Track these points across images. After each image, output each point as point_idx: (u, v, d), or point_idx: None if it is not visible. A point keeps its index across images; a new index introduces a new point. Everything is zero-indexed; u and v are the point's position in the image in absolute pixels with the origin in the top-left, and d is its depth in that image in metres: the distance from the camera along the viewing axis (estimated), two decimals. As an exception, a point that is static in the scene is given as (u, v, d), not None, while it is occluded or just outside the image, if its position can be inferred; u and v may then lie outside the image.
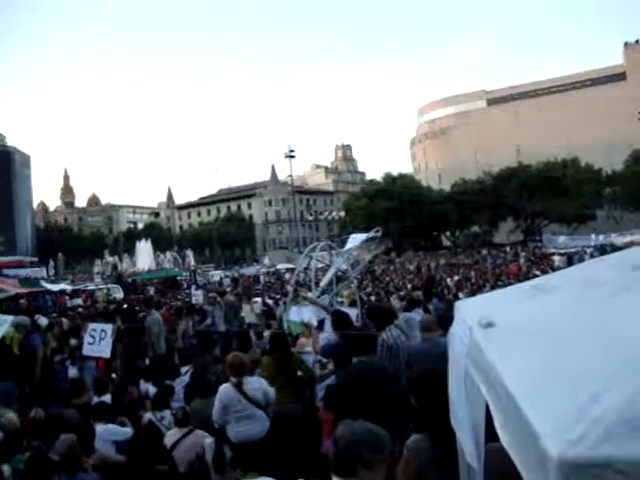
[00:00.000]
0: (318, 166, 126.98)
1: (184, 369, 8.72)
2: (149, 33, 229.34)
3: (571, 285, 1.85)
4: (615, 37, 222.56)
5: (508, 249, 53.84)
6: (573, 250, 37.24)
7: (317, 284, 11.07)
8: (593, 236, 42.47)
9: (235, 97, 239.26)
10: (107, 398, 6.65)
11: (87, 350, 8.32)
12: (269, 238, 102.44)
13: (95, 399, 6.59)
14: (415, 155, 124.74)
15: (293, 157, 65.18)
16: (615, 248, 25.34)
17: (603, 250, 30.22)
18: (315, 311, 8.45)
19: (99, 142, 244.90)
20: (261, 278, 38.79)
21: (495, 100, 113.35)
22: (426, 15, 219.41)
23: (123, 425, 5.99)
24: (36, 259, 70.45)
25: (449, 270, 34.28)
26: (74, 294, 30.40)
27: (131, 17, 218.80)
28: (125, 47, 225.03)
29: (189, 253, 55.55)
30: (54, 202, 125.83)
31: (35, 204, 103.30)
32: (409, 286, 23.00)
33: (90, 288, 34.07)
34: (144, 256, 54.35)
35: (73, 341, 10.07)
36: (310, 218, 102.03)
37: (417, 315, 7.90)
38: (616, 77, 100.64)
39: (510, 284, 13.65)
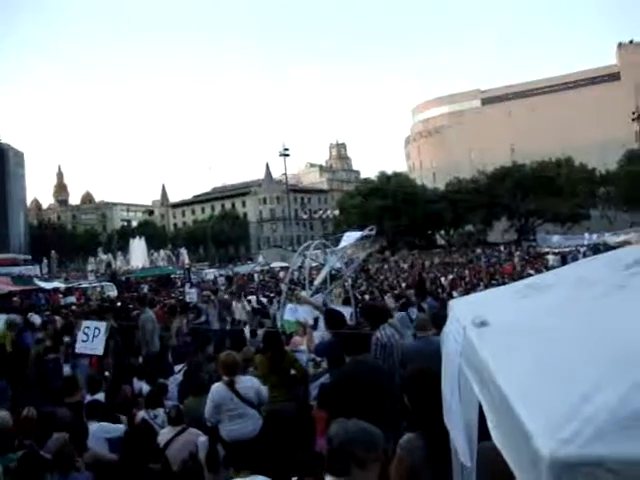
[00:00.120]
0: (312, 164, 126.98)
1: (177, 367, 8.71)
2: (144, 31, 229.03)
3: (564, 284, 1.85)
4: (609, 37, 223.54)
5: (502, 248, 53.93)
6: (567, 249, 37.39)
7: (311, 282, 11.08)
8: (587, 235, 42.68)
9: (229, 95, 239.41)
10: (100, 396, 6.63)
11: (80, 348, 8.29)
12: (263, 236, 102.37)
13: (88, 397, 6.56)
14: (410, 154, 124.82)
15: (287, 155, 65.09)
16: (609, 247, 25.43)
17: (597, 249, 30.37)
18: (310, 310, 8.46)
19: (93, 139, 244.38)
20: (255, 276, 38.79)
21: (490, 99, 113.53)
22: (421, 14, 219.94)
23: (118, 421, 5.97)
24: (29, 257, 70.10)
25: (443, 269, 34.34)
26: (67, 292, 30.29)
27: (126, 15, 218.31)
28: (119, 45, 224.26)
29: (183, 251, 55.36)
30: (47, 200, 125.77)
31: (28, 201, 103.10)
32: (403, 285, 23.04)
33: (84, 286, 33.98)
34: (138, 254, 54.16)
35: (66, 339, 10.04)
36: (304, 216, 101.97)
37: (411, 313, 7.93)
38: (610, 77, 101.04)
39: (504, 283, 13.70)
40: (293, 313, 8.78)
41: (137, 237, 61.29)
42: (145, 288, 33.32)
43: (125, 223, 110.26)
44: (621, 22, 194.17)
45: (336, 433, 2.44)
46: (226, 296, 17.59)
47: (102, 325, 8.35)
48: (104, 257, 54.76)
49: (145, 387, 7.63)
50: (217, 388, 5.49)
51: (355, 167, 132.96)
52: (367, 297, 17.37)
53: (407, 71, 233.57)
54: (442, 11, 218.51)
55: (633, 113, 62.98)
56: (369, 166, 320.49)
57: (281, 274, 34.92)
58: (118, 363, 9.44)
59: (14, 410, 5.51)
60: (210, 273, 43.44)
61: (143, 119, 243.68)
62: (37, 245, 79.56)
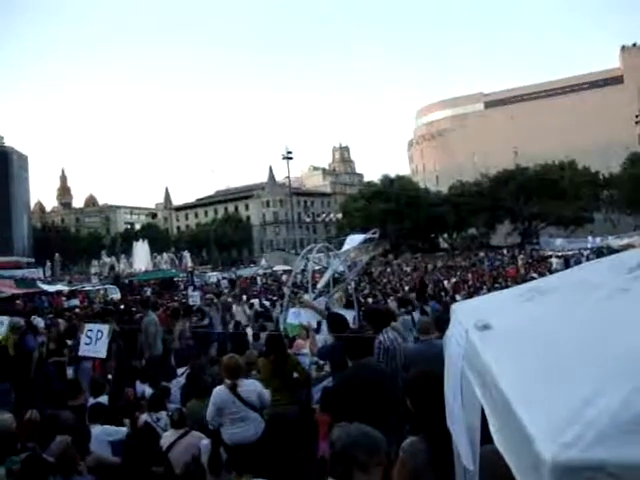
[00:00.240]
0: (316, 168, 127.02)
1: (180, 370, 8.71)
2: (147, 35, 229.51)
3: (568, 288, 1.85)
4: (612, 41, 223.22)
5: (505, 251, 53.91)
6: (570, 253, 37.32)
7: (314, 286, 11.07)
8: (590, 239, 42.62)
9: (233, 99, 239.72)
10: (103, 399, 6.63)
11: (83, 351, 8.30)
12: (266, 239, 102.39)
13: (91, 400, 6.57)
14: (413, 157, 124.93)
15: (291, 159, 64.99)
16: (612, 251, 25.40)
17: (600, 253, 30.29)
18: (313, 313, 8.45)
19: (97, 142, 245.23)
20: (258, 279, 38.82)
21: (493, 103, 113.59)
22: (425, 17, 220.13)
23: (120, 424, 5.97)
24: (33, 260, 70.43)
25: (446, 272, 34.32)
26: (71, 295, 30.34)
27: (129, 18, 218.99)
28: (123, 48, 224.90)
29: (186, 254, 55.51)
30: (51, 202, 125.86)
31: (32, 204, 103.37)
32: (406, 288, 23.02)
33: (87, 289, 34.03)
34: (141, 257, 54.21)
35: (69, 342, 10.06)
36: (307, 220, 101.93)
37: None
38: (613, 80, 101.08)
39: (507, 286, 13.68)
40: (296, 316, 8.78)
41: (140, 240, 61.35)
42: (148, 291, 33.40)
43: (128, 226, 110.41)
44: (624, 26, 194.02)
45: (338, 437, 2.44)
46: (229, 299, 17.62)
47: (105, 328, 8.36)
48: (107, 260, 54.93)
49: (148, 390, 7.63)
50: (219, 391, 5.49)
51: (358, 170, 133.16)
52: (370, 300, 17.35)
53: (410, 74, 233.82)
54: (445, 14, 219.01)
55: (636, 116, 63.10)
56: (372, 169, 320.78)
57: (284, 277, 34.93)
58: (120, 366, 9.45)
59: (17, 413, 5.52)
60: (213, 276, 43.54)
61: (147, 122, 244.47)
62: (40, 248, 79.69)
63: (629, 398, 1.00)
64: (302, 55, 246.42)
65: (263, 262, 56.79)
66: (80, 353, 8.48)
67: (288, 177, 71.85)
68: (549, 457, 0.96)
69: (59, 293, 30.26)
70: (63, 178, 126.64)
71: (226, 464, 5.03)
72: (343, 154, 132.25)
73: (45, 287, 30.02)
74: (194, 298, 19.49)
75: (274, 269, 47.27)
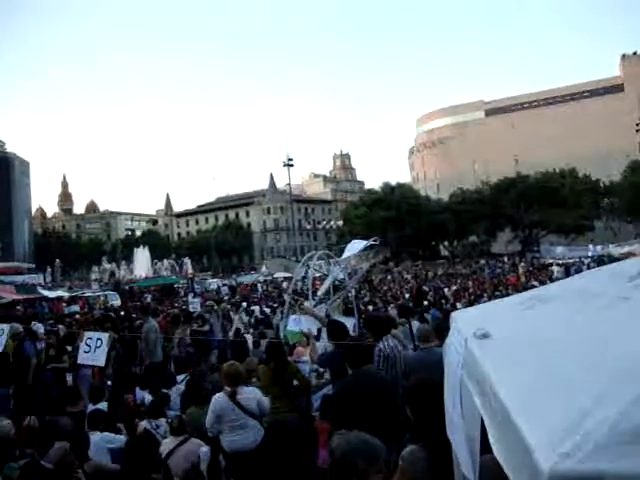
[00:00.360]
0: (316, 175, 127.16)
1: (180, 377, 8.70)
2: (148, 41, 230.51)
3: (568, 296, 1.85)
4: (612, 49, 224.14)
5: (506, 259, 53.86)
6: (571, 261, 37.30)
7: (314, 293, 11.06)
8: (591, 247, 42.62)
9: (234, 106, 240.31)
10: (102, 406, 6.62)
11: (82, 359, 8.28)
12: (267, 246, 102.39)
13: (90, 407, 6.55)
14: (413, 165, 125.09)
15: (292, 166, 65.16)
16: (613, 259, 25.42)
17: (601, 261, 30.30)
18: (314, 320, 8.45)
19: (98, 149, 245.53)
20: (259, 286, 38.80)
21: (493, 110, 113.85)
22: (426, 25, 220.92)
23: (119, 431, 5.96)
24: (33, 265, 70.28)
25: (447, 280, 34.29)
26: (71, 301, 30.30)
27: (130, 27, 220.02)
28: (125, 55, 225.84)
29: (187, 261, 55.45)
30: (52, 208, 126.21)
31: (33, 210, 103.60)
32: (407, 295, 23.02)
33: (87, 295, 33.99)
34: (142, 263, 54.17)
35: (69, 348, 10.05)
36: (308, 227, 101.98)
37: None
38: (614, 89, 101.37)
39: (508, 294, 13.66)
40: (297, 323, 8.77)
41: (141, 246, 61.34)
42: (148, 297, 33.34)
43: (129, 232, 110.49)
44: (624, 34, 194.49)
45: (338, 445, 2.44)
46: (229, 306, 17.60)
47: (104, 336, 8.35)
48: (108, 266, 54.93)
49: (147, 397, 7.62)
50: (218, 398, 5.48)
51: (359, 178, 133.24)
52: (370, 308, 17.33)
53: (411, 82, 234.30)
54: (445, 22, 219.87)
55: (637, 124, 63.04)
56: (373, 177, 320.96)
57: (284, 284, 34.90)
58: (119, 373, 9.44)
59: (16, 419, 5.51)
60: (213, 283, 43.49)
61: (148, 129, 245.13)
62: (41, 254, 79.85)
63: (629, 409, 0.99)
64: (303, 62, 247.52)
65: (263, 269, 56.76)
66: (79, 361, 8.46)
67: (289, 184, 72.02)
68: (547, 468, 0.95)
69: (59, 299, 30.20)
70: (64, 184, 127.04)
71: (225, 471, 5.02)
72: (344, 161, 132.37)
73: (45, 293, 29.98)
74: (194, 305, 19.47)
75: (274, 276, 47.22)
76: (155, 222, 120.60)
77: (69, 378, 9.14)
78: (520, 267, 37.59)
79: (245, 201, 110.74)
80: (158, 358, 10.81)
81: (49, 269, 57.56)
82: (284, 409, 6.03)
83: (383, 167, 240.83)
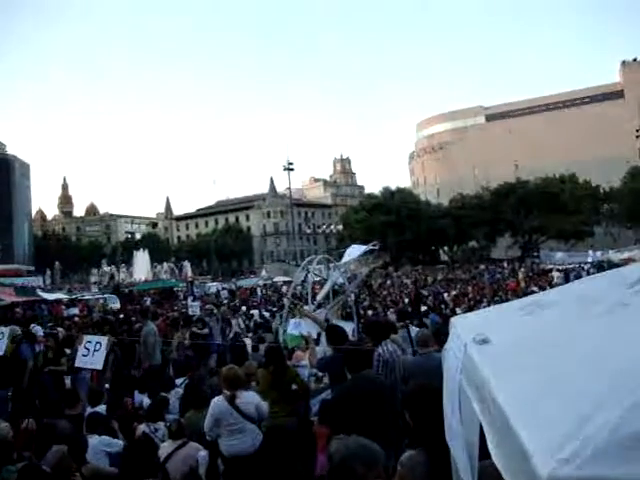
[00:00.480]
0: (317, 179, 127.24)
1: (179, 381, 8.68)
2: (150, 45, 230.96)
3: (568, 302, 1.85)
4: (612, 55, 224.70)
5: (506, 265, 53.80)
6: (570, 266, 37.29)
7: (314, 297, 11.06)
8: (590, 252, 42.60)
9: (234, 109, 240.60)
10: (101, 409, 6.60)
11: (80, 362, 8.26)
12: (267, 250, 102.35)
13: (89, 409, 6.54)
14: (414, 169, 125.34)
15: (292, 170, 65.19)
16: (612, 264, 25.42)
17: (600, 267, 30.28)
18: (313, 324, 8.43)
19: (98, 151, 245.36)
20: (258, 290, 38.77)
21: (493, 116, 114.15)
22: (426, 30, 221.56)
23: (115, 434, 5.94)
24: (33, 268, 70.44)
25: (446, 285, 34.24)
26: (70, 303, 30.26)
27: (130, 32, 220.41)
28: (125, 58, 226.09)
29: (186, 264, 55.49)
30: (52, 211, 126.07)
31: (33, 212, 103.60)
32: (406, 300, 22.99)
33: (87, 298, 33.93)
34: (141, 266, 54.24)
35: (68, 351, 10.03)
36: (308, 231, 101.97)
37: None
38: (614, 95, 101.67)
39: (508, 300, 13.65)
40: (297, 327, 8.76)
41: (141, 249, 61.46)
42: (148, 301, 33.28)
43: (129, 235, 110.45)
44: (624, 40, 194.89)
45: (337, 449, 2.43)
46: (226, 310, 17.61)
47: (103, 340, 8.33)
48: (107, 269, 54.95)
49: (146, 400, 7.61)
50: (217, 402, 5.47)
51: (359, 182, 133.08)
52: (370, 313, 17.30)
53: (411, 87, 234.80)
54: (446, 28, 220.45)
55: (637, 130, 63.12)
56: (373, 181, 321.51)
57: (284, 288, 34.87)
58: (118, 376, 9.42)
59: (14, 422, 5.50)
60: (213, 286, 43.42)
61: (148, 132, 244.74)
62: (41, 256, 79.81)
63: (629, 414, 0.99)
64: (303, 67, 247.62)
65: (263, 273, 56.71)
66: (77, 364, 8.44)
67: (289, 188, 72.03)
68: (545, 473, 0.95)
69: (59, 302, 30.15)
70: (64, 187, 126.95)
71: (223, 475, 5.01)
72: (344, 166, 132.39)
73: (45, 295, 29.94)
74: (194, 308, 19.45)
75: (274, 280, 47.17)
76: (155, 225, 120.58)
77: (67, 381, 9.11)
78: (520, 272, 37.59)
79: (245, 205, 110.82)
80: (157, 361, 10.79)
81: (49, 272, 57.62)
82: (282, 413, 6.02)
83: (383, 172, 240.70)
